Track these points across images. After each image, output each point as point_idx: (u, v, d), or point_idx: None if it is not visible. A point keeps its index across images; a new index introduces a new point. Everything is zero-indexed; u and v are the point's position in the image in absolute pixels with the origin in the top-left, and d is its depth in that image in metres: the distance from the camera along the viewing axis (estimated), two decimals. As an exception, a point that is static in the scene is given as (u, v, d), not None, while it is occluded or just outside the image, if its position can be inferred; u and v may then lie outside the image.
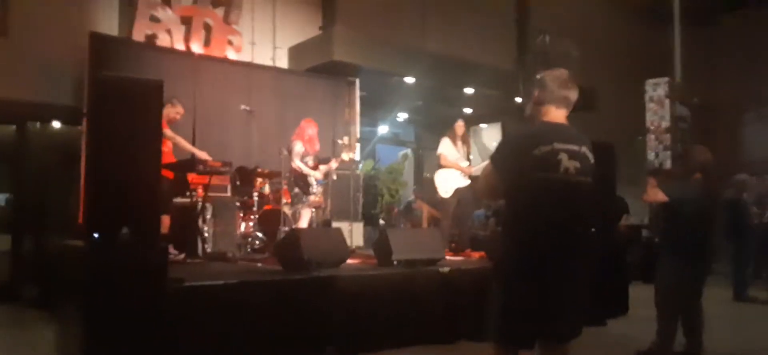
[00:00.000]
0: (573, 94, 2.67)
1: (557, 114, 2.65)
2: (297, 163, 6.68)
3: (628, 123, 11.03)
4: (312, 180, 6.73)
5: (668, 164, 8.88)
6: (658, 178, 4.42)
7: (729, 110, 12.10)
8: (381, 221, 11.14)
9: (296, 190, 6.71)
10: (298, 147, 6.73)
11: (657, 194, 4.33)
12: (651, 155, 10.63)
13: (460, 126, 7.31)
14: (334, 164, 7.01)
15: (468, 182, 7.14)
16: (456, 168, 7.14)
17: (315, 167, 6.82)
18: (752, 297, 7.82)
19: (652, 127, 10.58)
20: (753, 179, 8.68)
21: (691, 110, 10.82)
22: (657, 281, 4.50)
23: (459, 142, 7.25)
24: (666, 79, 10.62)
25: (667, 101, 10.51)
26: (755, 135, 11.91)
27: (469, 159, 7.23)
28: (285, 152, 6.61)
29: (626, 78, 11.33)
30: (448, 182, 7.16)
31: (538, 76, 2.73)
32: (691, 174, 4.39)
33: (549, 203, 2.51)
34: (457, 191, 7.15)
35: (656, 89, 10.64)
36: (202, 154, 6.06)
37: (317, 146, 7.00)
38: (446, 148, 7.23)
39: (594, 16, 12.17)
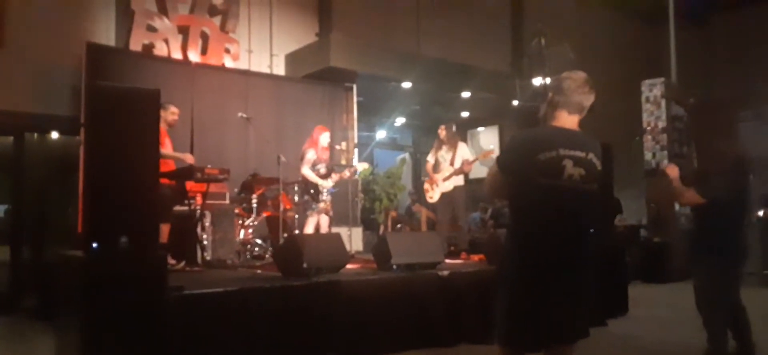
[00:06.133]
0: (588, 100, 2.63)
1: (569, 119, 2.62)
2: (306, 171, 6.70)
3: (625, 124, 11.08)
4: (322, 188, 6.76)
5: (665, 164, 8.89)
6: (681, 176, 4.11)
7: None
8: (380, 226, 11.14)
9: (305, 197, 6.72)
10: (311, 155, 6.75)
11: (694, 197, 4.07)
12: (648, 155, 10.68)
13: (441, 131, 7.41)
14: (346, 173, 7.17)
15: (452, 186, 7.20)
16: (430, 179, 7.40)
17: (327, 175, 6.85)
18: None
19: (649, 128, 10.64)
20: None
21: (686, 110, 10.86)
22: (695, 283, 4.22)
23: (444, 148, 7.34)
24: (662, 79, 10.69)
25: (663, 101, 10.57)
26: (753, 133, 11.93)
27: (453, 162, 7.22)
28: (283, 159, 6.60)
29: (622, 79, 11.38)
30: (432, 189, 7.38)
31: (553, 78, 2.68)
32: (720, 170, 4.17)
33: (552, 209, 2.51)
34: (445, 196, 7.24)
35: (652, 90, 10.71)
36: (188, 158, 6.04)
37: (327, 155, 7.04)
38: (429, 157, 7.54)
39: (589, 17, 12.22)
